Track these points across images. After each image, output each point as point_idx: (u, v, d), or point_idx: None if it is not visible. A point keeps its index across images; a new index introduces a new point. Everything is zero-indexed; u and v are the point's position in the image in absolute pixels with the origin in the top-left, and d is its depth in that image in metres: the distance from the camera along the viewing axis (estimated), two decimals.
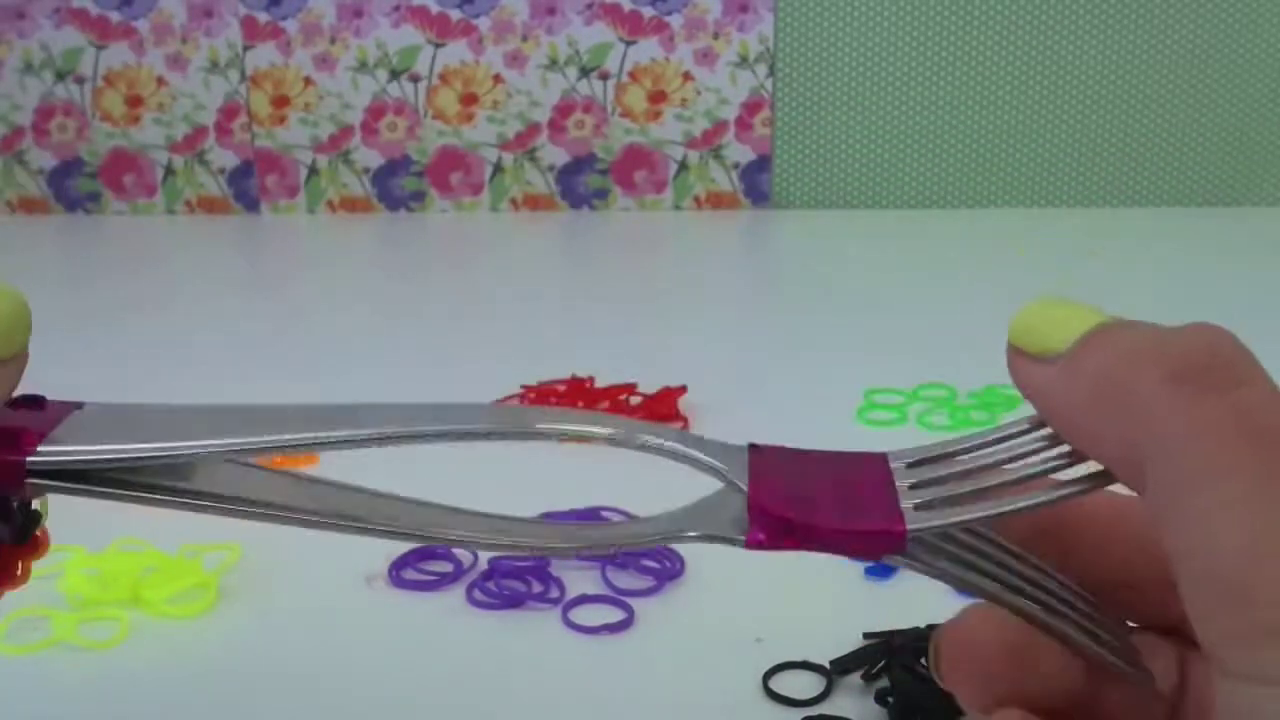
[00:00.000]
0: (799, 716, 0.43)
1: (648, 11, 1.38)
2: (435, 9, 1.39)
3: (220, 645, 0.49)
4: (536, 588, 0.52)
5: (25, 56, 1.41)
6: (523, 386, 0.76)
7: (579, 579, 0.53)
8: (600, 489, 0.60)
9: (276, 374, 0.85)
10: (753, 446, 0.22)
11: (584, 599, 0.51)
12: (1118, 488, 0.20)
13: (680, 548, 0.53)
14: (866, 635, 0.47)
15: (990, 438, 0.22)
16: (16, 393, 0.22)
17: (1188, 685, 0.22)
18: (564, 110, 1.41)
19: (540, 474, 0.60)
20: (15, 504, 0.22)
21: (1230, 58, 1.36)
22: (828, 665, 0.46)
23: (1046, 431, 0.21)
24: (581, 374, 0.77)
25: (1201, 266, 1.12)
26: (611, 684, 0.46)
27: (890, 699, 0.43)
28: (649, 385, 0.75)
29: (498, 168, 1.43)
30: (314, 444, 0.22)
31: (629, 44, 1.39)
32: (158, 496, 0.21)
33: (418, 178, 1.44)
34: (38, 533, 0.22)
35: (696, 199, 1.43)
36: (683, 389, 0.74)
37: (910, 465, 0.22)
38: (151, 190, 1.45)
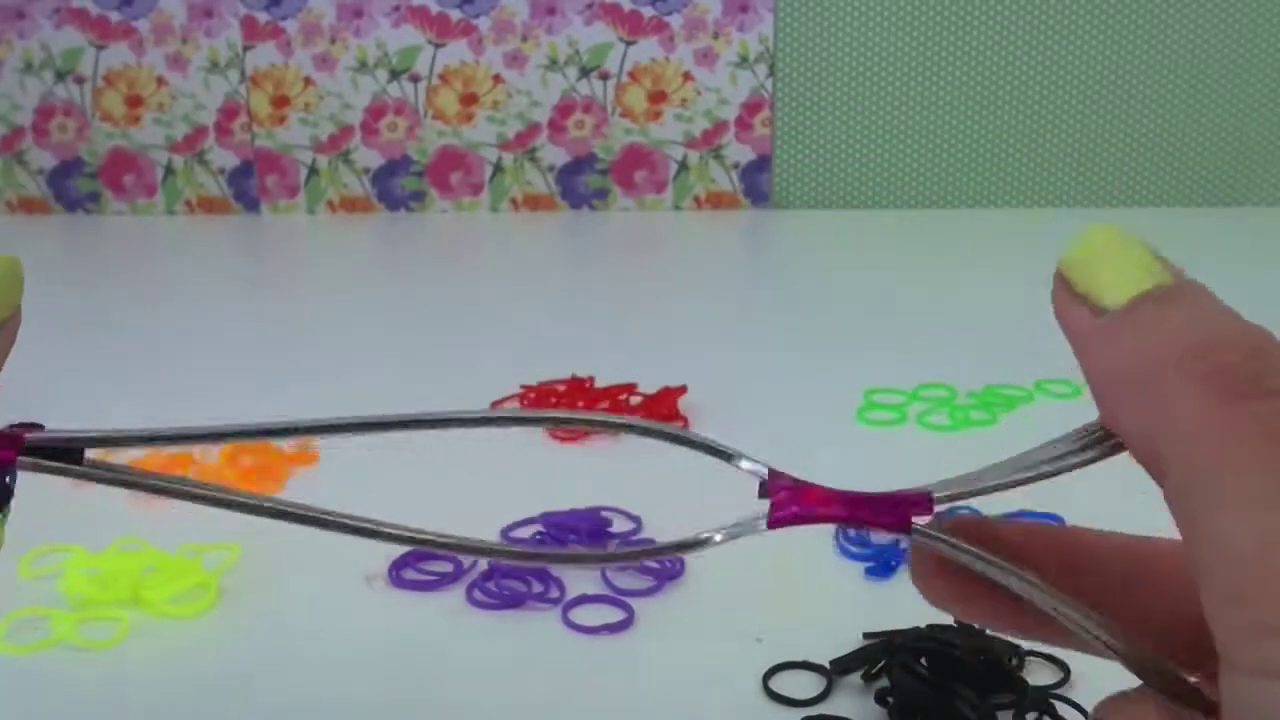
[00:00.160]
0: (799, 716, 0.43)
1: (648, 11, 1.38)
2: (435, 9, 1.39)
3: (220, 645, 0.49)
4: (536, 588, 0.52)
5: (25, 56, 1.41)
6: (523, 386, 0.76)
7: (579, 579, 0.53)
8: (600, 489, 0.60)
9: (276, 373, 0.85)
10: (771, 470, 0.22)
11: (584, 599, 0.51)
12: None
13: None
14: (866, 635, 0.47)
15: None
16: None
17: None
18: (564, 110, 1.41)
19: (540, 474, 0.60)
20: None
21: (1230, 58, 1.36)
22: (828, 665, 0.46)
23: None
24: (581, 374, 0.77)
25: (1201, 266, 1.11)
26: (611, 684, 0.46)
27: (890, 699, 0.43)
28: (649, 385, 0.75)
29: (498, 168, 1.43)
30: (307, 428, 0.22)
31: (629, 44, 1.39)
32: (148, 481, 0.22)
33: (418, 178, 1.44)
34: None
35: (696, 199, 1.43)
36: (683, 389, 0.74)
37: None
38: (151, 190, 1.45)
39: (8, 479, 0.22)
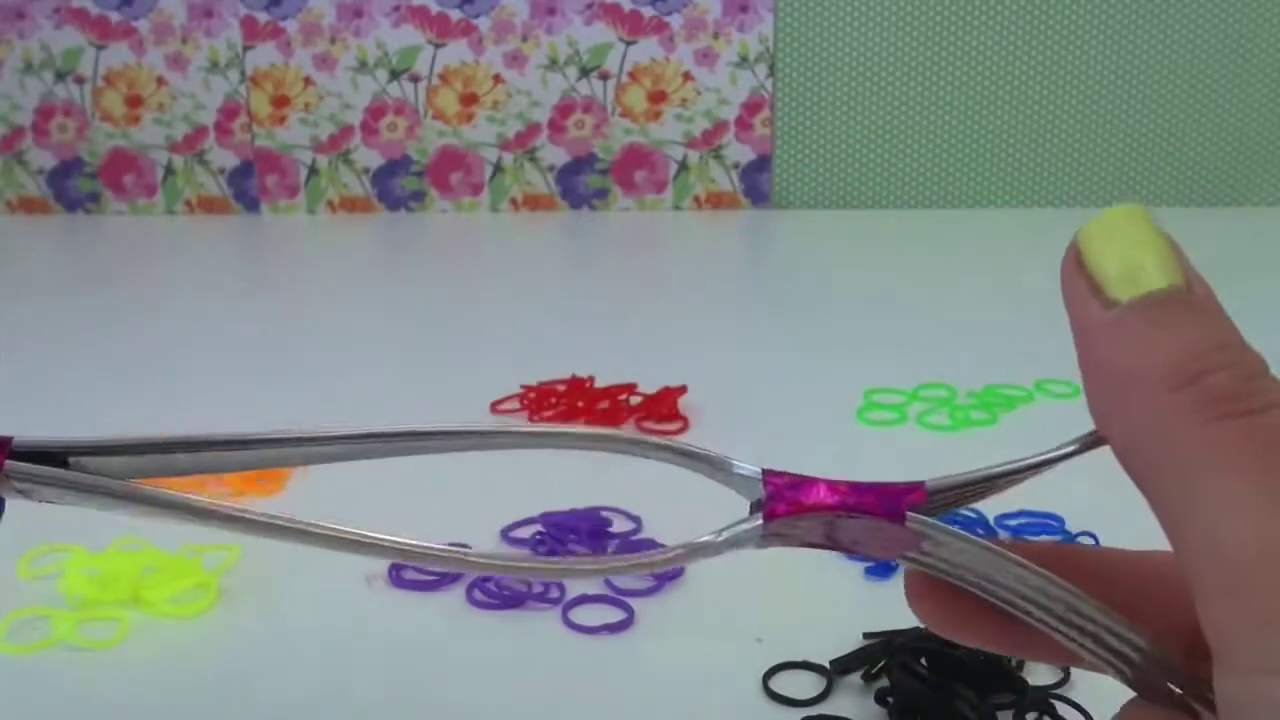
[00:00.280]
0: (799, 716, 0.43)
1: (648, 11, 1.38)
2: (435, 9, 1.39)
3: (220, 645, 0.49)
4: (536, 588, 0.52)
5: (25, 56, 1.41)
6: (523, 386, 0.76)
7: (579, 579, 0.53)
8: (600, 489, 0.60)
9: (276, 373, 0.85)
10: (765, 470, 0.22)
11: (584, 599, 0.51)
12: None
13: None
14: (866, 635, 0.47)
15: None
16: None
17: None
18: (564, 110, 1.41)
19: (540, 474, 0.60)
20: None
21: (1230, 58, 1.36)
22: (828, 665, 0.46)
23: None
24: (581, 374, 0.77)
25: (1201, 267, 1.12)
26: (611, 684, 0.46)
27: (890, 699, 0.43)
28: (649, 385, 0.75)
29: (498, 168, 1.43)
30: (300, 440, 0.22)
31: (629, 44, 1.39)
32: (132, 493, 0.21)
33: (418, 178, 1.44)
34: None
35: (696, 199, 1.43)
36: (683, 389, 0.74)
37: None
38: (151, 190, 1.45)
39: None
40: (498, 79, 1.40)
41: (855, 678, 0.45)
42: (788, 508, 0.21)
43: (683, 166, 1.42)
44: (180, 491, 0.21)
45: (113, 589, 0.51)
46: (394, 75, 1.40)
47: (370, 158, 1.43)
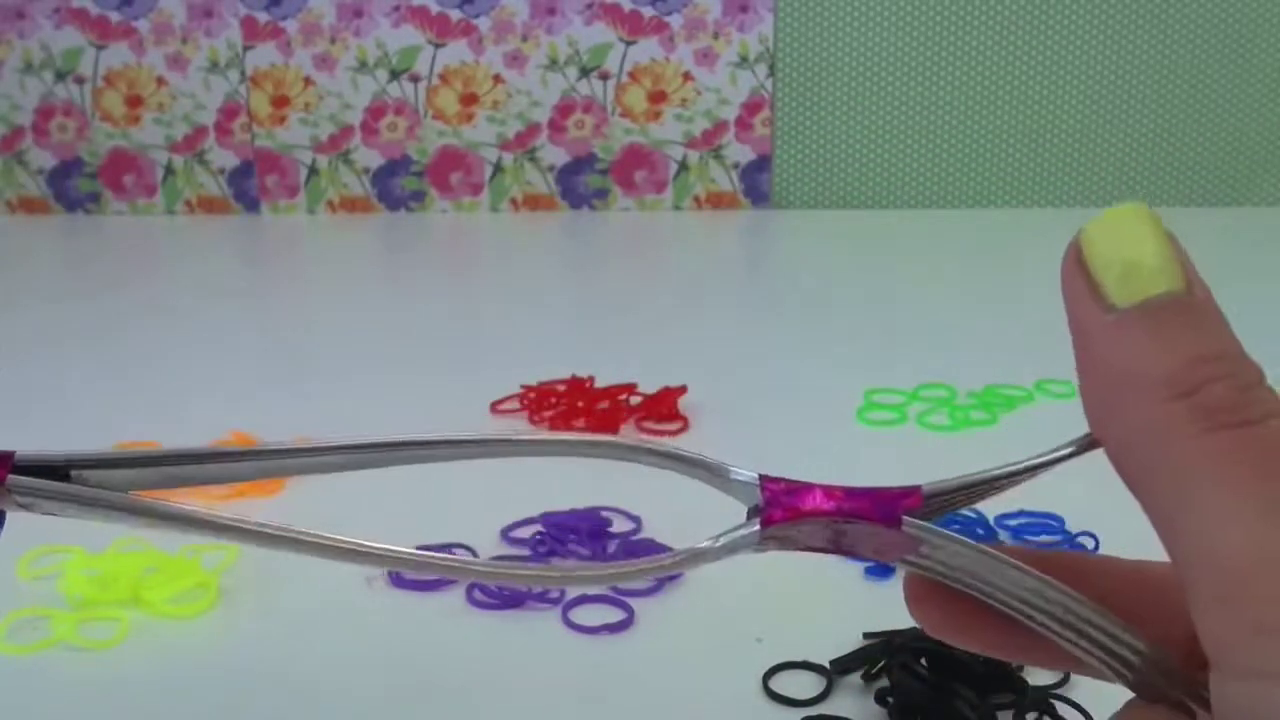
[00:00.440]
0: (799, 716, 0.43)
1: (648, 11, 1.38)
2: (435, 9, 1.39)
3: (220, 645, 0.49)
4: (536, 588, 0.52)
5: (25, 56, 1.41)
6: (523, 386, 0.76)
7: None
8: (600, 489, 0.60)
9: (276, 372, 0.85)
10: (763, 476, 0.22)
11: (584, 599, 0.51)
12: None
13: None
14: (866, 635, 0.47)
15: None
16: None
17: None
18: (564, 110, 1.41)
19: (540, 474, 0.60)
20: None
21: (1230, 58, 1.36)
22: (828, 665, 0.46)
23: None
24: (581, 374, 0.77)
25: (1201, 266, 1.12)
26: (611, 684, 0.46)
27: (890, 699, 0.43)
28: (649, 385, 0.74)
29: (498, 168, 1.43)
30: (300, 452, 0.22)
31: (629, 44, 1.39)
32: (137, 511, 0.21)
33: (418, 178, 1.44)
34: None
35: (696, 199, 1.43)
36: (683, 389, 0.74)
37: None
38: (151, 190, 1.45)
39: None
40: (498, 79, 1.40)
41: (855, 678, 0.45)
42: (784, 514, 0.21)
43: (683, 166, 1.42)
44: (178, 500, 0.21)
45: (113, 589, 0.51)
46: (394, 75, 1.40)
47: (370, 158, 1.43)
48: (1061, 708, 0.42)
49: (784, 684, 0.45)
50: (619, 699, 0.45)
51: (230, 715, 0.45)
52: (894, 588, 0.52)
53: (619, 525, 0.58)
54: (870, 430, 0.72)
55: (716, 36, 1.38)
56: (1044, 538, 0.56)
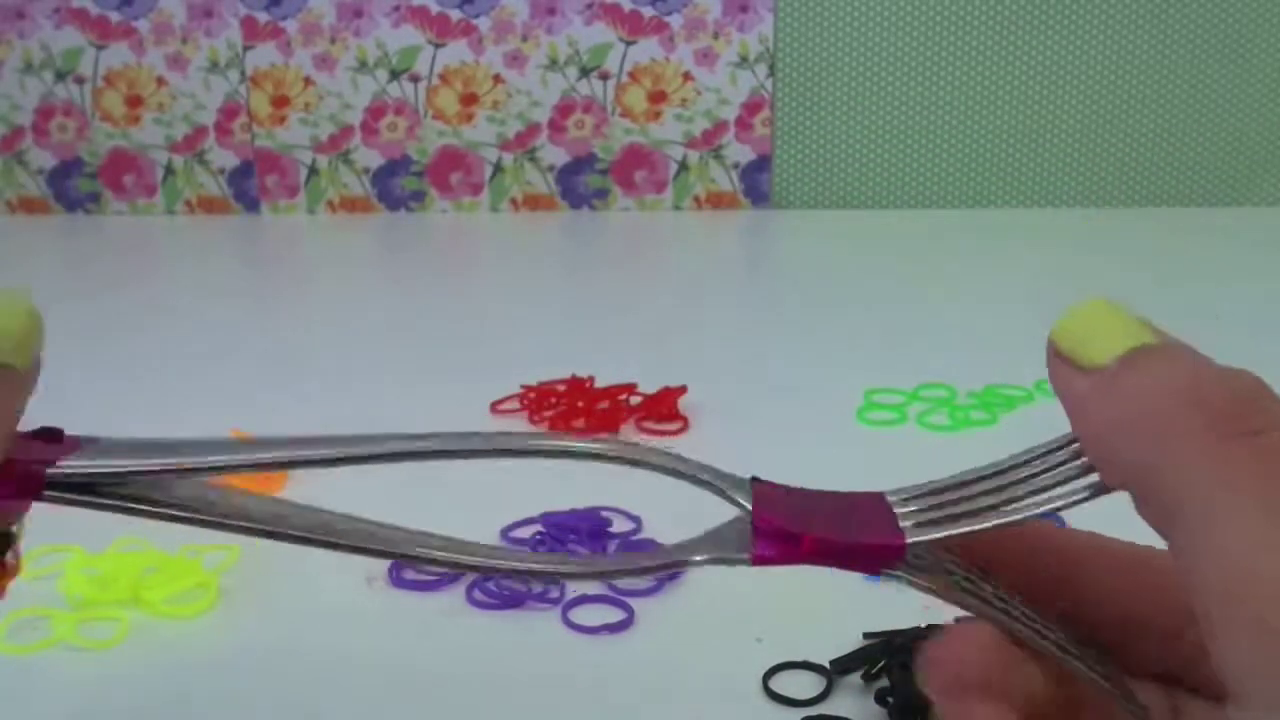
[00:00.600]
0: (799, 716, 0.43)
1: (648, 11, 1.38)
2: (435, 9, 1.39)
3: (220, 645, 0.49)
4: (536, 588, 0.52)
5: (25, 56, 1.41)
6: (523, 386, 0.76)
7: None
8: (600, 489, 0.60)
9: (276, 373, 0.85)
10: (755, 479, 0.23)
11: (584, 599, 0.51)
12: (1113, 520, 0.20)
13: None
14: (866, 635, 0.47)
15: (991, 470, 0.22)
16: (30, 425, 0.22)
17: None
18: (564, 110, 1.41)
19: (540, 474, 0.60)
20: None
21: (1230, 58, 1.36)
22: (828, 665, 0.46)
23: (1065, 452, 0.21)
24: (581, 374, 0.77)
25: (1202, 266, 1.12)
26: (611, 684, 0.46)
27: (890, 699, 0.43)
28: (649, 385, 0.75)
29: (498, 168, 1.43)
30: (320, 459, 0.23)
31: (629, 44, 1.39)
32: (160, 510, 0.22)
33: (418, 178, 1.44)
34: (8, 557, 0.22)
35: (696, 199, 1.43)
36: (683, 389, 0.74)
37: (906, 499, 0.22)
38: (151, 190, 1.45)
39: (14, 527, 0.22)
40: (498, 79, 1.40)
41: (855, 678, 0.45)
42: (773, 555, 0.22)
43: (683, 166, 1.42)
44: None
45: (113, 589, 0.51)
46: (394, 75, 1.41)
47: (370, 158, 1.43)
48: None
49: (784, 684, 0.45)
50: (619, 699, 0.45)
51: (230, 715, 0.45)
52: (894, 587, 0.52)
53: (619, 525, 0.58)
54: (870, 430, 0.72)
55: (716, 36, 1.38)
56: None
